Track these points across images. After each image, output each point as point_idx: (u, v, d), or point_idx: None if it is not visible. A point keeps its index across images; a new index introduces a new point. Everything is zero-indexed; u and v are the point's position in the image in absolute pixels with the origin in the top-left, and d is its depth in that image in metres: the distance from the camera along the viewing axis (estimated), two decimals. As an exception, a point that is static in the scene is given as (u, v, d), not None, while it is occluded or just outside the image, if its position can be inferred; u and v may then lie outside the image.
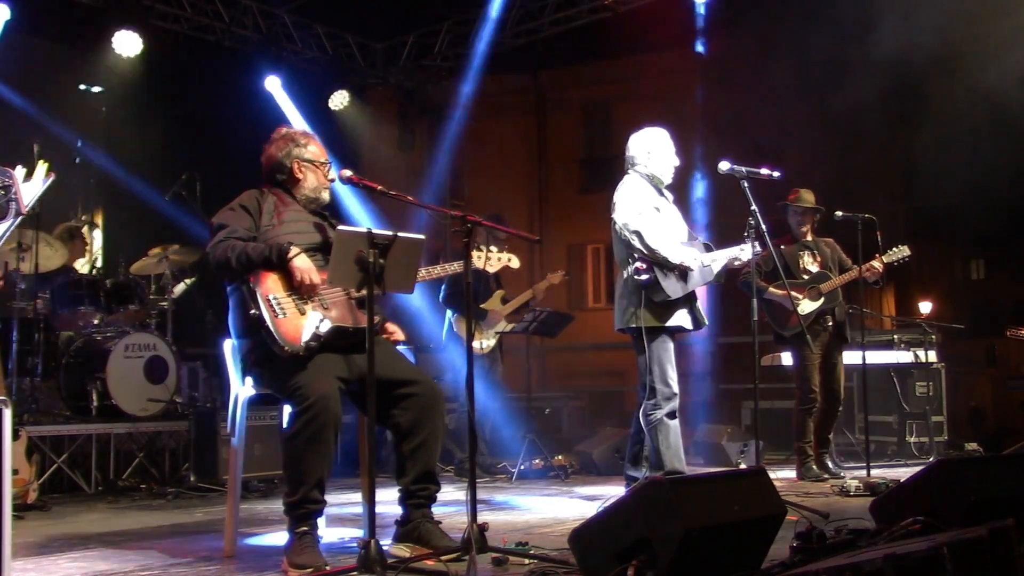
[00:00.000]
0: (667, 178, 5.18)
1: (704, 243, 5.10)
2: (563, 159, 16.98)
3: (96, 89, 8.38)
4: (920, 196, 13.82)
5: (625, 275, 4.98)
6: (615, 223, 4.98)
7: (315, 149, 4.00)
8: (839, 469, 6.59)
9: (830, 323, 6.50)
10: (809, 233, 6.67)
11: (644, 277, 4.87)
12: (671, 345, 4.98)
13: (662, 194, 5.15)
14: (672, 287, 4.89)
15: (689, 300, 5.03)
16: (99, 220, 9.12)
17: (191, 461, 6.40)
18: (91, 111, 8.69)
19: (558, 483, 6.57)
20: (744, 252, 5.04)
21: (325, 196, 4.00)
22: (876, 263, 6.35)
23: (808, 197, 6.63)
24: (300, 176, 3.93)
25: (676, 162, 5.18)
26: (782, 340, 6.57)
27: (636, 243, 4.87)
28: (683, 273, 4.94)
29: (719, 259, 5.03)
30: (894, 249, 6.41)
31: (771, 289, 6.34)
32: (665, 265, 4.88)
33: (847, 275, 6.47)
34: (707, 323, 5.17)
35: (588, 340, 13.82)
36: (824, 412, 6.51)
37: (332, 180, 4.01)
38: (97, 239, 7.83)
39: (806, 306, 6.41)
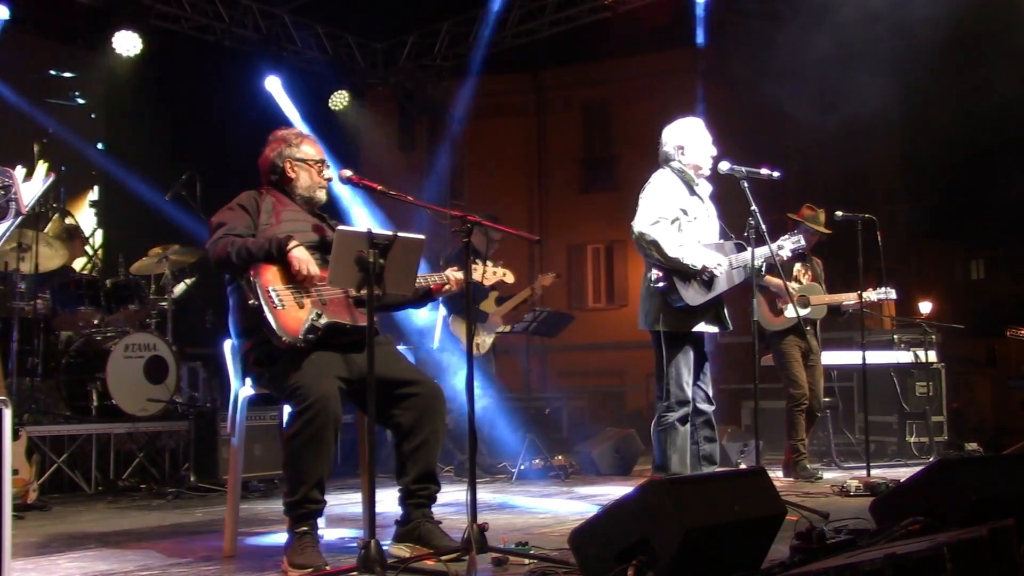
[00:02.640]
0: (703, 171, 5.03)
1: (737, 242, 4.96)
2: (563, 159, 16.99)
3: (68, 74, 8.41)
4: (920, 196, 13.82)
5: (648, 277, 4.93)
6: (632, 231, 4.88)
7: (309, 148, 3.98)
8: (817, 470, 6.56)
9: (808, 328, 6.56)
10: (809, 248, 6.71)
11: (661, 285, 4.81)
12: (691, 351, 4.89)
13: (694, 192, 5.02)
14: (692, 296, 4.80)
15: (715, 303, 4.92)
16: (80, 207, 9.12)
17: (191, 461, 6.40)
18: (85, 113, 8.74)
19: (558, 483, 6.57)
20: (784, 249, 4.99)
21: (320, 195, 3.97)
22: (867, 295, 6.43)
23: (822, 218, 6.68)
24: (292, 176, 3.93)
25: (712, 152, 5.02)
26: (761, 338, 6.57)
27: (655, 254, 4.78)
28: (708, 279, 4.85)
29: (754, 257, 4.83)
30: (882, 289, 6.50)
31: (768, 277, 6.32)
32: (687, 272, 4.79)
33: (837, 296, 6.60)
34: (731, 327, 5.07)
35: (588, 340, 13.83)
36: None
37: (328, 179, 4.00)
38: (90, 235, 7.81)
39: (791, 311, 6.41)
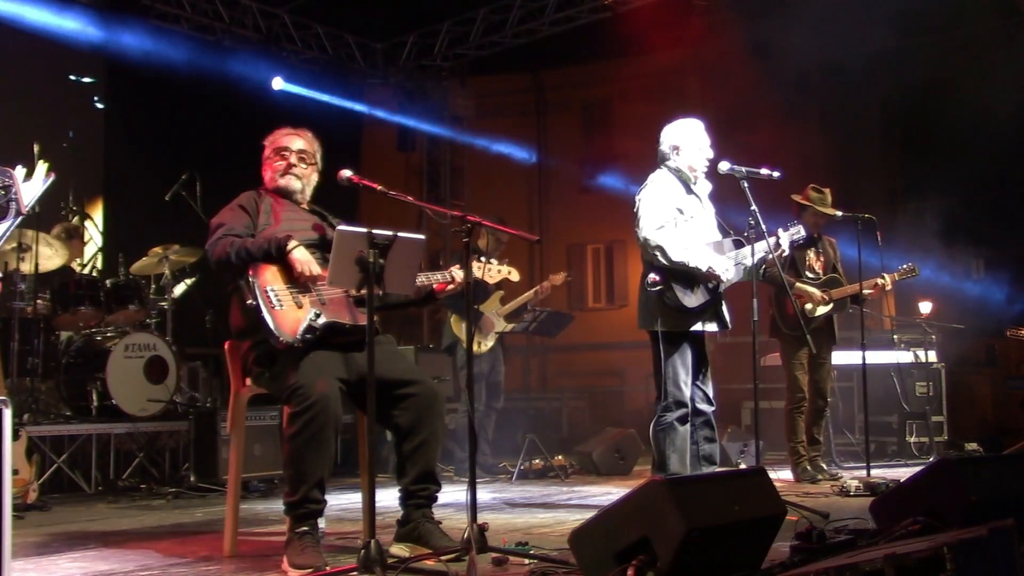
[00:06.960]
0: (699, 171, 5.03)
1: (735, 239, 4.97)
2: (563, 159, 16.97)
3: (87, 79, 8.41)
4: (920, 196, 13.83)
5: (645, 280, 4.93)
6: (637, 236, 4.89)
7: (273, 139, 3.99)
8: (836, 469, 6.57)
9: (822, 323, 6.50)
10: (817, 231, 6.63)
11: (657, 288, 4.82)
12: (689, 351, 4.88)
13: (691, 191, 5.02)
14: (689, 299, 4.80)
15: (714, 303, 4.93)
16: (93, 212, 9.11)
17: (191, 461, 6.41)
18: (88, 107, 8.76)
19: (558, 483, 6.57)
20: (783, 240, 4.99)
21: (284, 183, 3.92)
22: (887, 280, 6.35)
23: (830, 199, 6.50)
24: (265, 176, 3.97)
25: (709, 154, 5.02)
26: (777, 334, 6.53)
27: (660, 259, 4.78)
28: (714, 286, 4.84)
29: (754, 253, 4.82)
30: (904, 267, 6.40)
31: (799, 285, 6.29)
32: (692, 275, 4.79)
33: (856, 286, 6.34)
34: (731, 326, 5.05)
35: (588, 340, 13.82)
36: (811, 412, 6.48)
37: (291, 166, 3.93)
38: (94, 234, 7.78)
39: (819, 309, 6.37)
